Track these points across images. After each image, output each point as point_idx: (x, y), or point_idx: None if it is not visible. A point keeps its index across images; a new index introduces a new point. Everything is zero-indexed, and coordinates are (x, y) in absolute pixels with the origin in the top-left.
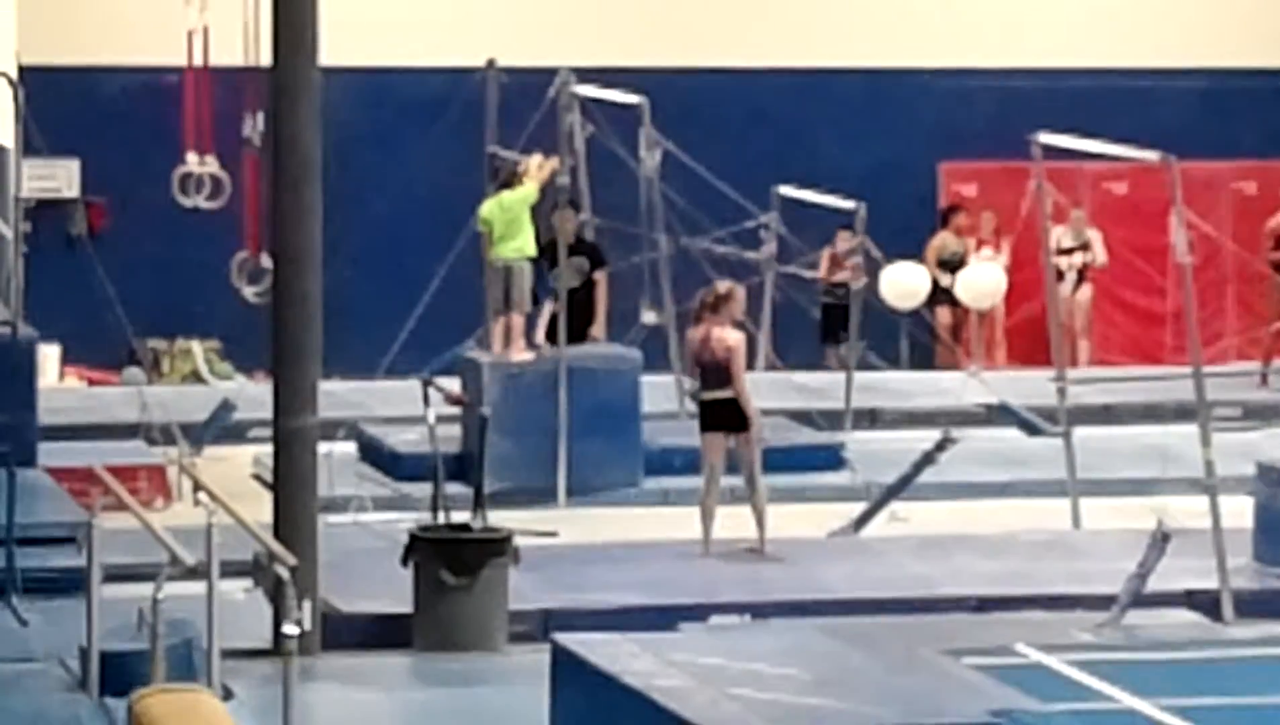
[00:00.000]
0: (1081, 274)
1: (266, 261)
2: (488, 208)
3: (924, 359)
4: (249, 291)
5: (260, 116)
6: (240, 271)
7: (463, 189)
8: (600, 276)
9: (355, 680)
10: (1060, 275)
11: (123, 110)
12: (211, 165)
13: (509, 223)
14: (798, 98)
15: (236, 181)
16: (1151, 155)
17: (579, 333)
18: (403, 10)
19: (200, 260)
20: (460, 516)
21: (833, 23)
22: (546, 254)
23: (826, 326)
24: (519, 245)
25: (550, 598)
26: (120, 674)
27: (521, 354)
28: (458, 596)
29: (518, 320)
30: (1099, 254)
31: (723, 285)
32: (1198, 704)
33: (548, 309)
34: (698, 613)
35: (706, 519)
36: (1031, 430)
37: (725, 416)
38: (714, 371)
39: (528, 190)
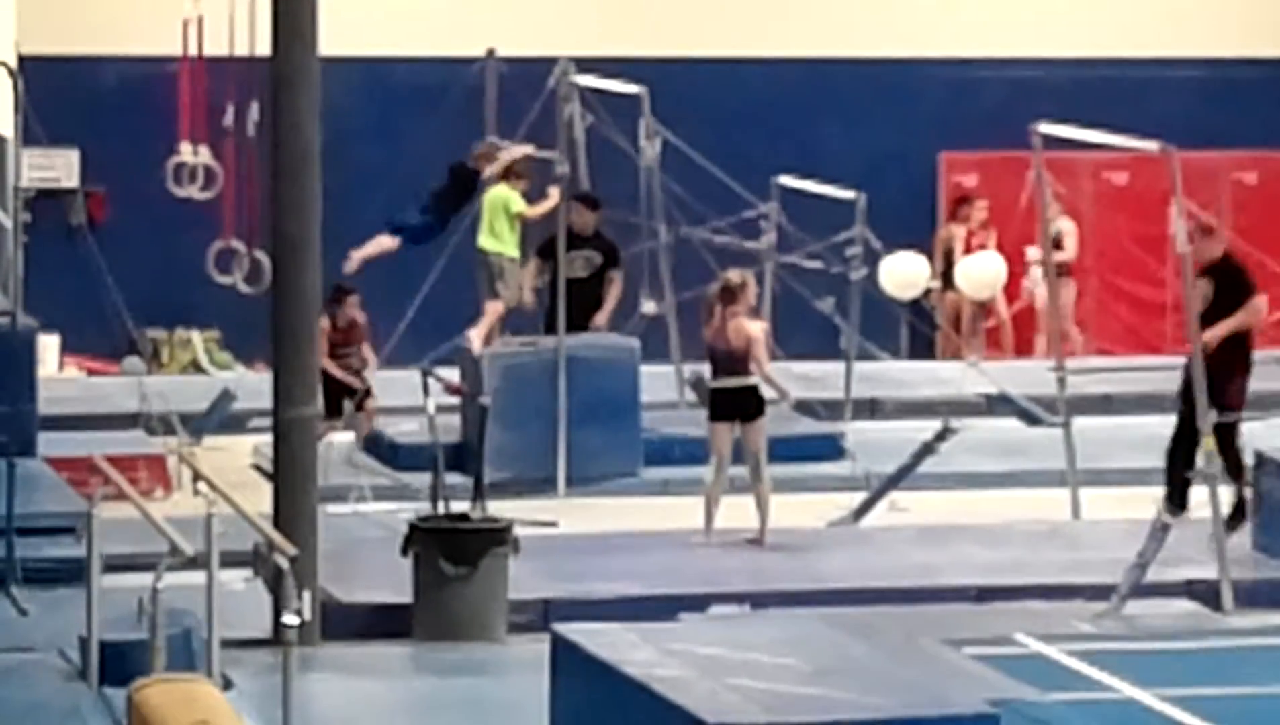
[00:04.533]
0: (1059, 268)
1: (244, 250)
2: (487, 195)
3: (923, 349)
4: (228, 281)
5: (254, 106)
6: (219, 262)
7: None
8: (615, 275)
9: (355, 670)
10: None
11: (122, 100)
12: (205, 155)
13: (488, 215)
14: (798, 88)
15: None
16: (1151, 145)
17: (582, 322)
18: (401, 0)
19: (200, 250)
20: (460, 506)
21: (833, 12)
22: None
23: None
24: (499, 244)
25: (550, 588)
26: (120, 664)
27: (476, 339)
28: (457, 586)
29: (493, 306)
30: (1069, 248)
31: (735, 275)
32: (1197, 693)
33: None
34: (697, 602)
35: (710, 506)
36: (1031, 420)
37: (735, 405)
38: (726, 360)
39: (515, 200)
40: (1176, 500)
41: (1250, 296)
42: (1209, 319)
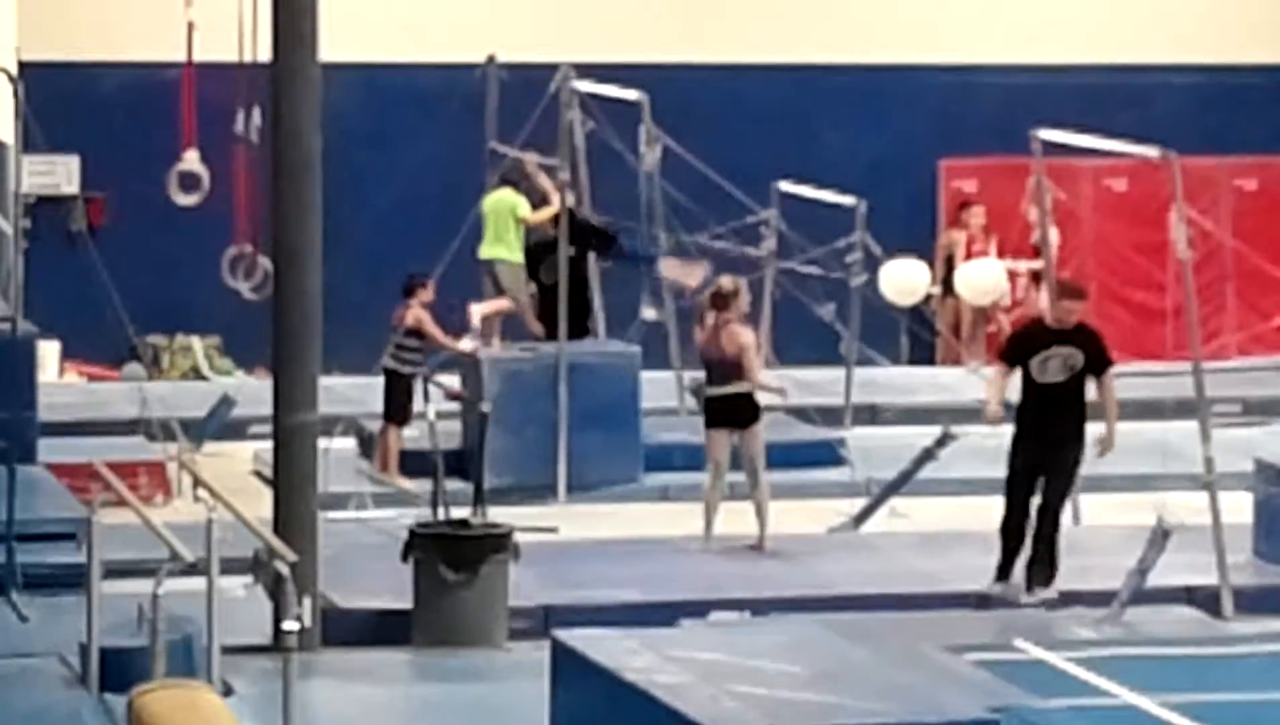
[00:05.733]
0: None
1: (262, 257)
2: (489, 201)
3: (923, 355)
4: (242, 287)
5: (256, 111)
6: (232, 268)
7: (463, 185)
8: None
9: (355, 676)
10: (1012, 276)
11: (123, 106)
12: (194, 161)
13: (494, 223)
14: (798, 93)
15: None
16: (1152, 151)
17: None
18: (402, 5)
19: (200, 256)
20: (460, 512)
21: (833, 18)
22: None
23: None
24: (507, 251)
25: (550, 594)
26: (120, 670)
27: (476, 314)
28: (457, 593)
29: (493, 303)
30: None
31: (728, 282)
32: (1198, 700)
33: None
34: (698, 609)
35: (709, 512)
36: None
37: (730, 412)
38: (720, 368)
39: (522, 205)
40: (1005, 570)
41: (1110, 366)
42: (1074, 387)
